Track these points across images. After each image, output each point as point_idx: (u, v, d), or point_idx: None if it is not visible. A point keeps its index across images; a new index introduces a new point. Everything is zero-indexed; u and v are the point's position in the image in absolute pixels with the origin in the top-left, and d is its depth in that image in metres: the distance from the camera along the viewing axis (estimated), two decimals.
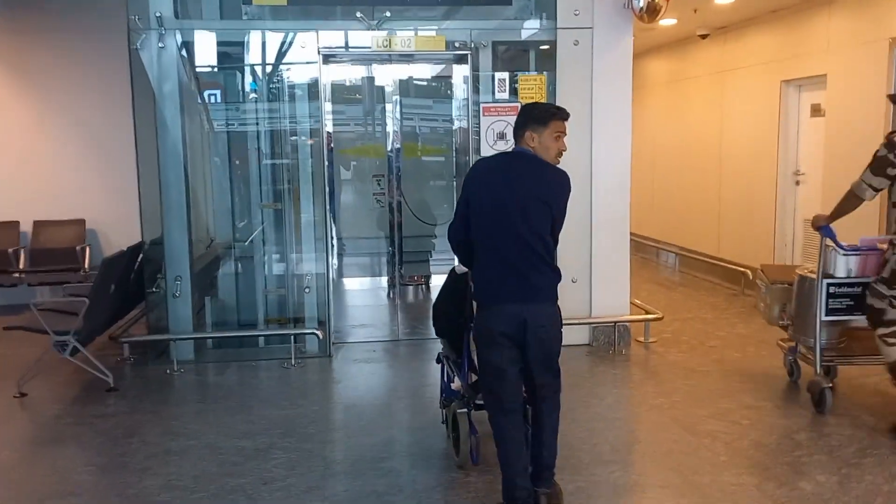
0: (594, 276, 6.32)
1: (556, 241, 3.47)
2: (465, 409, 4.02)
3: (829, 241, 4.77)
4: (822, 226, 4.75)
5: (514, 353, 3.39)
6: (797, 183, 8.04)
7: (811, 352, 4.87)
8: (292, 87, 6.54)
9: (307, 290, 6.35)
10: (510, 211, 3.35)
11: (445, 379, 4.51)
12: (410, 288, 8.06)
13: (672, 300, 8.12)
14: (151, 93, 6.07)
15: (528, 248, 3.35)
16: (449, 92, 7.20)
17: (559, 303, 3.51)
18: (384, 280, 8.15)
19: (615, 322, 6.37)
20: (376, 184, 7.79)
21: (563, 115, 3.50)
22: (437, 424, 4.62)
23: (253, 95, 6.95)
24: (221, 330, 6.70)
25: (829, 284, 4.76)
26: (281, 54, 6.55)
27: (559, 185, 3.46)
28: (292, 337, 6.20)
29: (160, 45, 5.99)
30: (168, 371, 5.94)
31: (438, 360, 4.58)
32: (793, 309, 5.11)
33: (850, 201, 4.58)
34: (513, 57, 6.57)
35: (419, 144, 7.46)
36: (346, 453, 4.43)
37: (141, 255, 6.35)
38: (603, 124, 6.27)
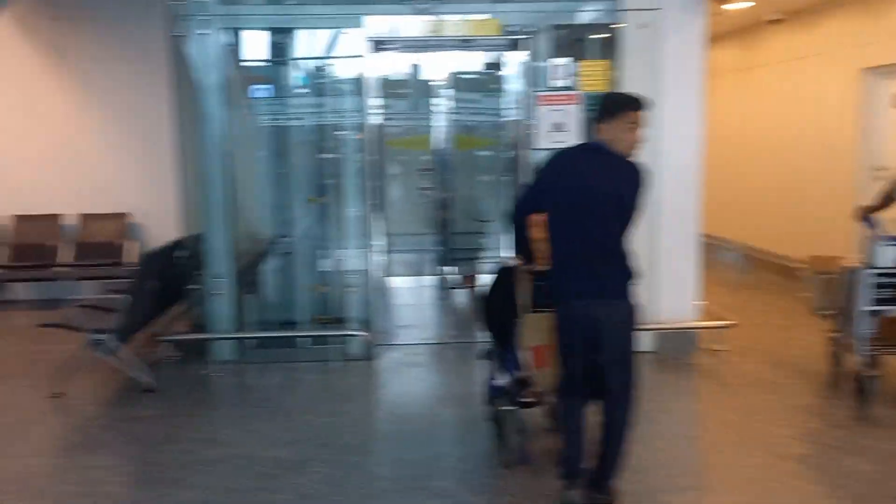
0: (660, 278, 5.85)
1: (629, 236, 3.39)
2: (512, 407, 3.89)
3: (871, 231, 4.78)
4: (863, 216, 4.82)
5: (587, 347, 3.33)
6: (877, 179, 7.44)
7: (855, 342, 4.83)
8: (338, 77, 6.22)
9: (353, 290, 6.03)
10: (584, 205, 3.32)
11: (490, 375, 4.33)
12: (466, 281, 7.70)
13: (739, 304, 7.58)
14: (194, 82, 5.82)
15: (601, 244, 3.33)
16: (501, 80, 6.77)
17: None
18: (431, 279, 7.78)
19: (683, 328, 5.91)
20: (423, 177, 7.44)
21: (635, 105, 3.38)
22: (490, 438, 4.26)
23: (298, 89, 6.68)
24: (263, 328, 6.44)
25: (872, 275, 4.71)
26: (327, 42, 6.24)
27: (633, 179, 3.38)
28: (335, 338, 5.89)
29: (202, 32, 5.72)
30: (207, 372, 5.69)
31: (484, 356, 4.41)
32: (837, 299, 5.06)
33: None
34: (571, 42, 6.13)
35: (469, 136, 7.05)
36: (392, 468, 4.09)
37: (182, 251, 6.12)
38: (672, 115, 5.78)
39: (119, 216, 8.16)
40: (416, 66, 6.89)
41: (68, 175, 8.15)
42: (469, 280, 7.66)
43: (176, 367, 5.89)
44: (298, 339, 6.32)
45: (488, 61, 6.75)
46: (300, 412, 4.84)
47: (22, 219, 8.10)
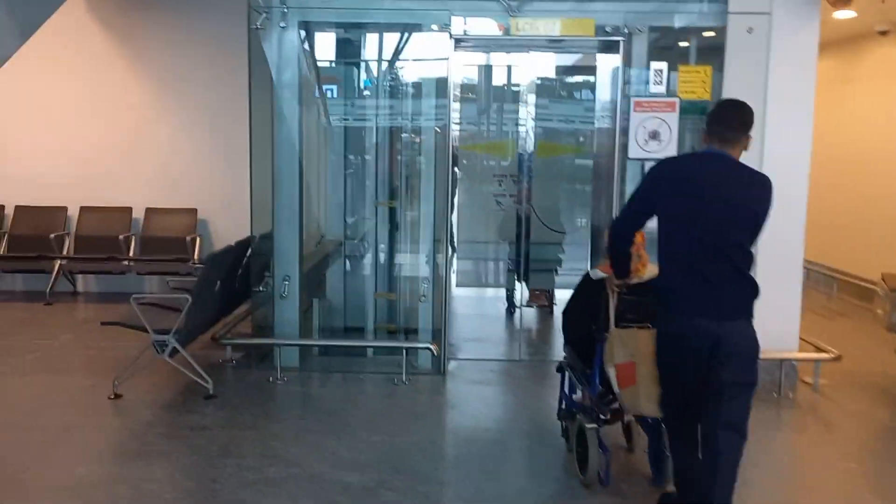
0: (759, 304, 5.36)
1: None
2: (595, 425, 3.76)
3: None
4: None
5: (699, 372, 3.08)
6: None
7: None
8: (418, 77, 5.93)
9: (422, 299, 5.71)
10: (710, 218, 3.08)
11: (566, 389, 4.25)
12: (538, 298, 7.29)
13: (835, 333, 6.99)
14: (269, 78, 5.59)
15: (726, 259, 3.08)
16: (590, 84, 6.37)
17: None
18: (502, 291, 7.40)
19: (782, 360, 5.42)
20: (497, 184, 7.06)
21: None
22: (571, 468, 3.90)
23: (372, 89, 6.42)
24: (328, 335, 6.19)
25: None
26: (407, 40, 5.96)
27: (763, 191, 3.16)
28: (404, 350, 5.58)
29: (282, 24, 5.49)
30: (271, 378, 5.44)
31: (559, 370, 4.30)
32: None
33: None
34: (669, 45, 5.71)
35: (552, 143, 6.65)
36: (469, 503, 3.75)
37: (249, 251, 5.90)
38: (778, 128, 5.31)
39: (188, 211, 8.03)
40: (498, 68, 6.53)
41: (137, 167, 8.05)
42: (539, 297, 7.26)
43: (237, 371, 5.67)
44: (365, 348, 6.04)
45: (577, 64, 6.35)
46: (368, 430, 4.53)
47: (87, 210, 8.03)
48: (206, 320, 5.52)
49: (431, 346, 5.58)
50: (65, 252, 7.92)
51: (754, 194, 3.12)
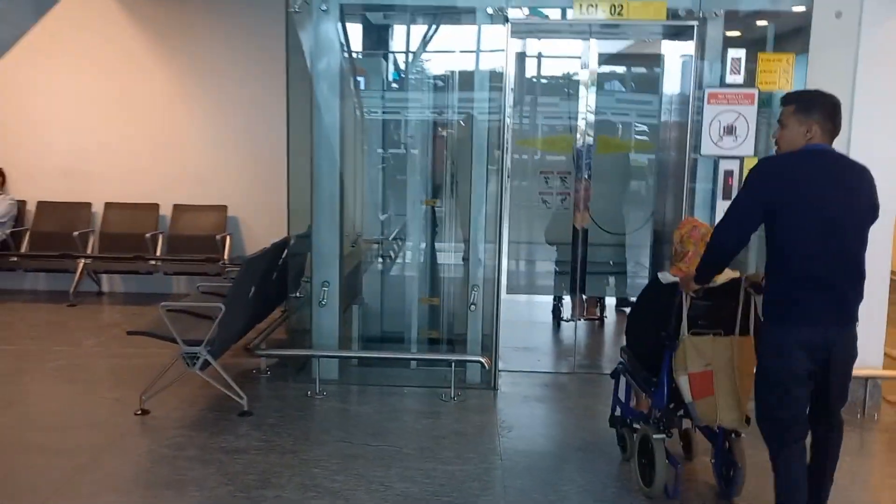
0: None
1: None
2: (663, 436, 3.60)
3: None
4: None
5: (808, 376, 3.06)
6: None
7: None
8: (468, 66, 5.46)
9: (472, 308, 5.26)
10: (834, 219, 2.98)
11: (622, 396, 4.11)
12: (589, 310, 6.79)
13: None
14: (308, 68, 5.16)
15: (851, 264, 3.03)
16: (656, 75, 5.85)
17: None
18: (556, 298, 6.90)
19: (865, 378, 4.92)
20: (544, 181, 6.56)
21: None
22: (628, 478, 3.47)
23: (412, 82, 6.00)
24: (367, 344, 5.77)
25: None
26: (457, 25, 5.51)
27: (872, 181, 3.11)
28: (452, 364, 5.15)
29: (322, 7, 5.05)
30: (309, 393, 5.03)
31: (614, 375, 4.16)
32: None
33: None
34: (743, 31, 5.20)
35: (614, 138, 6.15)
36: None
37: (285, 253, 5.49)
38: (868, 124, 4.82)
39: (217, 209, 7.65)
40: (555, 57, 6.02)
41: (168, 162, 7.68)
42: (592, 307, 6.75)
43: (272, 383, 5.27)
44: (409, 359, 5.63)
45: (641, 52, 5.83)
46: (418, 456, 4.11)
47: (112, 206, 7.67)
48: (239, 329, 5.13)
49: (483, 360, 5.14)
50: (89, 250, 7.57)
51: (866, 187, 3.06)
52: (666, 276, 3.60)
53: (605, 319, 6.87)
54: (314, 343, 5.26)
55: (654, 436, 3.59)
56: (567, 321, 6.60)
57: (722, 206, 4.95)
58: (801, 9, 4.94)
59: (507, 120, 5.09)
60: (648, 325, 3.76)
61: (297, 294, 5.55)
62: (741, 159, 4.97)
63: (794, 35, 4.96)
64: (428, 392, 5.13)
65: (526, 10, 5.00)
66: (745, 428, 3.47)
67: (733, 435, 3.57)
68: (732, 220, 3.10)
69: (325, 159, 5.20)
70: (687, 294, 3.43)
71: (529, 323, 6.96)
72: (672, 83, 5.59)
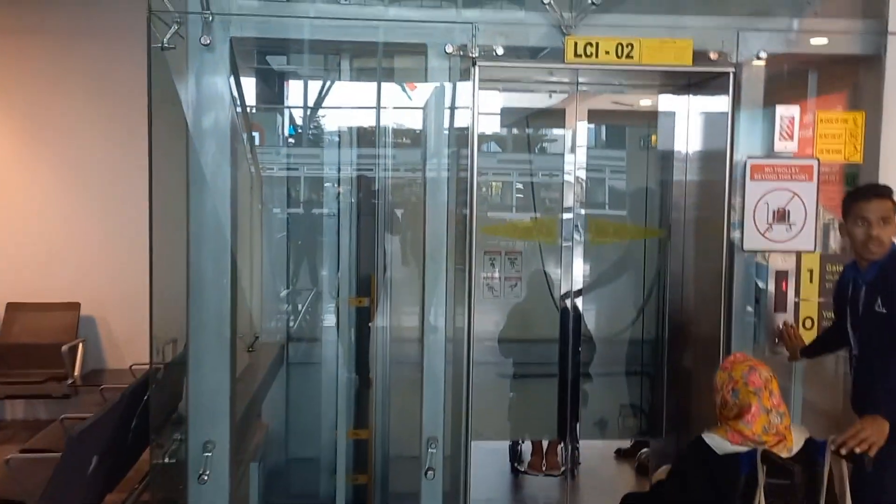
0: None
1: None
2: None
3: None
4: None
5: None
6: None
7: None
8: (411, 121, 3.99)
9: (430, 475, 3.61)
10: None
11: None
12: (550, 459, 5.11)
13: None
14: (183, 122, 3.51)
15: None
16: (668, 135, 4.40)
17: None
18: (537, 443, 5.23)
19: None
20: (489, 263, 5.02)
21: (865, 194, 3.01)
22: None
23: (340, 138, 4.59)
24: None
25: None
26: (399, 67, 4.03)
27: None
28: None
29: (203, 40, 3.42)
30: None
31: None
32: None
33: None
34: (785, 79, 3.90)
35: (611, 223, 4.58)
36: None
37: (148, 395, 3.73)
38: None
39: (68, 307, 5.79)
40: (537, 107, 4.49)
41: None
42: (552, 456, 5.07)
43: None
44: None
45: (649, 106, 4.37)
46: None
47: None
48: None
49: None
50: None
51: None
52: (719, 442, 2.66)
53: (577, 470, 5.08)
54: None
55: None
56: (525, 473, 5.02)
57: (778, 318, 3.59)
58: (867, 52, 3.68)
59: (473, 194, 3.58)
60: None
61: (165, 458, 3.75)
62: (798, 255, 3.62)
63: (865, 85, 3.69)
64: None
65: (500, 49, 3.50)
66: None
67: None
68: None
69: (207, 249, 3.51)
70: (762, 466, 2.56)
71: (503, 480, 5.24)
72: (689, 147, 4.19)
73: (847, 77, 3.87)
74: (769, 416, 2.60)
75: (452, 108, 3.62)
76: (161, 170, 3.55)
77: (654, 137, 4.60)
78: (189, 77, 3.47)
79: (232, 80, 3.58)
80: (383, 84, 4.33)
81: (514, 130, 4.99)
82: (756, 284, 3.71)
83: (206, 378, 3.52)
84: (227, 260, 3.49)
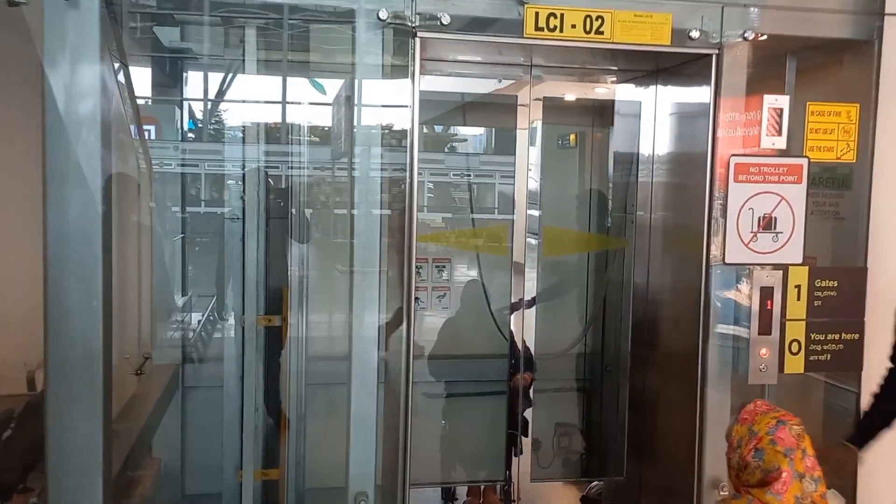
0: None
1: None
2: None
3: None
4: None
5: None
6: None
7: None
8: (338, 108, 3.30)
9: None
10: None
11: None
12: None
13: None
14: (40, 90, 2.70)
15: None
16: (633, 132, 3.83)
17: None
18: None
19: None
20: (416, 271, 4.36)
21: None
22: None
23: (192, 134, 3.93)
24: None
25: None
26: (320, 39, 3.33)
27: None
28: None
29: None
30: None
31: None
32: None
33: None
34: (767, 68, 3.41)
35: (569, 231, 3.94)
36: None
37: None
38: None
39: None
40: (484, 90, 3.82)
41: None
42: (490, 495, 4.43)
43: None
44: None
45: (603, 98, 3.79)
46: None
47: None
48: None
49: None
50: None
51: None
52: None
53: None
54: None
55: None
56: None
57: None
58: (858, 35, 3.23)
59: (413, 192, 2.94)
60: None
61: None
62: (785, 269, 3.13)
63: (859, 75, 3.24)
64: None
65: (447, 18, 2.86)
66: None
67: None
68: None
69: (71, 268, 2.71)
70: None
71: None
72: (655, 146, 3.66)
73: (830, 66, 3.43)
74: (802, 482, 2.06)
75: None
76: (9, 163, 2.76)
77: (572, 136, 4.07)
78: (46, 42, 2.68)
79: (109, 53, 2.81)
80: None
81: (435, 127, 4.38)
82: (735, 303, 3.22)
83: (72, 429, 2.75)
84: (96, 277, 2.70)
